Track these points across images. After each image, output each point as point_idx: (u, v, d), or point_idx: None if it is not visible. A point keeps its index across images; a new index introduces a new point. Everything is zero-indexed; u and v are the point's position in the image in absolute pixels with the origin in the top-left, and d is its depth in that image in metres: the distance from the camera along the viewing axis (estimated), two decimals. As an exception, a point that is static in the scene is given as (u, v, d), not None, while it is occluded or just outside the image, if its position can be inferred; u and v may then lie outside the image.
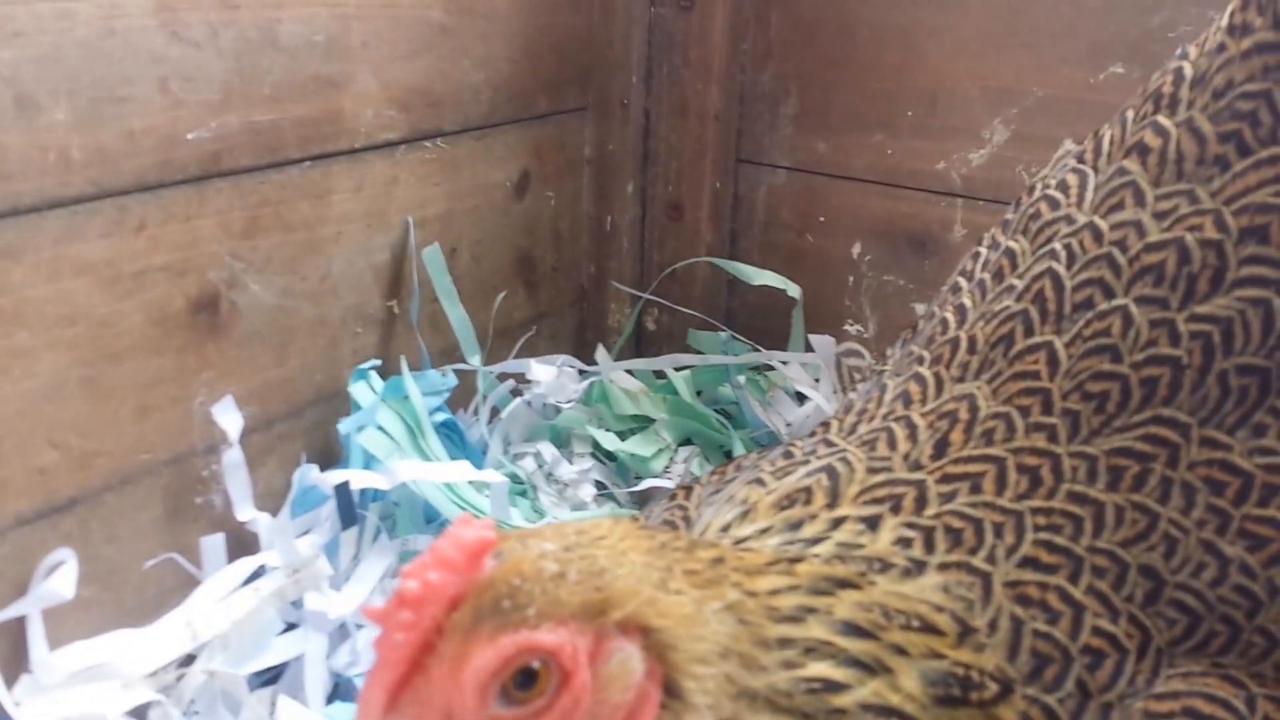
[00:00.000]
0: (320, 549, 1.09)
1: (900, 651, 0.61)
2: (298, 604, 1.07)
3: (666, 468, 1.36)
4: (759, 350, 1.47)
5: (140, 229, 1.01)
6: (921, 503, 0.70)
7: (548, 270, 1.52)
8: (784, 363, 1.44)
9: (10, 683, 0.92)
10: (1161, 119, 0.77)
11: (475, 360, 1.35)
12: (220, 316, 1.09)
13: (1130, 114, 0.81)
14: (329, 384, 1.22)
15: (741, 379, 1.42)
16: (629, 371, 1.47)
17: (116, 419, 1.01)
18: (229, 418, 1.08)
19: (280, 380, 1.17)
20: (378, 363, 1.26)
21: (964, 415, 0.74)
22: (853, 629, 0.61)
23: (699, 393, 1.45)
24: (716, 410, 1.44)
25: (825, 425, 0.83)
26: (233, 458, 1.09)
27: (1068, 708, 0.65)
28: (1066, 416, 0.73)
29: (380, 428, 1.19)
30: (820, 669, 0.59)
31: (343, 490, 1.13)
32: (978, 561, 0.67)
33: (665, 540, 0.61)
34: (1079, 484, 0.70)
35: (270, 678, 1.06)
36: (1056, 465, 0.71)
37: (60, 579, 0.93)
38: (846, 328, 1.45)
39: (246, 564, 1.06)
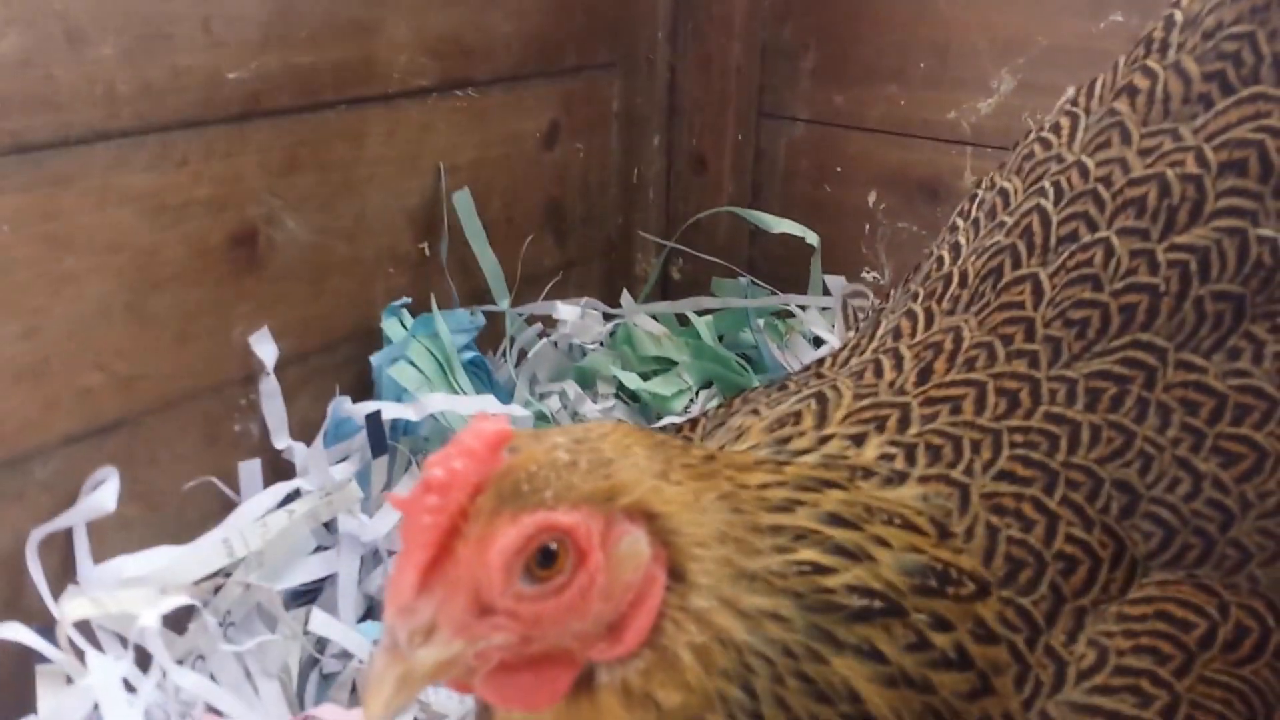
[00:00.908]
0: (352, 476, 1.12)
1: (882, 543, 0.63)
2: (331, 528, 1.11)
3: (686, 408, 1.39)
4: (777, 294, 1.50)
5: (183, 163, 1.04)
6: (904, 423, 0.73)
7: (577, 220, 1.55)
8: (802, 307, 1.47)
9: (57, 595, 0.96)
10: (1150, 62, 0.80)
11: (504, 303, 1.38)
12: (258, 251, 1.13)
13: (1122, 59, 0.83)
14: (362, 321, 1.26)
15: (760, 323, 1.45)
16: (654, 318, 1.50)
17: (158, 345, 1.05)
18: (266, 348, 1.12)
19: (315, 315, 1.20)
20: (409, 300, 1.29)
21: (949, 346, 0.77)
22: (837, 520, 0.63)
23: (720, 337, 1.48)
24: (737, 354, 1.46)
25: (820, 361, 0.86)
26: (269, 387, 1.13)
27: (1042, 610, 0.67)
28: (1048, 343, 0.75)
29: (411, 362, 1.23)
30: (809, 554, 0.61)
31: (374, 421, 1.16)
32: (956, 474, 0.70)
33: (663, 440, 0.64)
34: (1057, 405, 0.73)
35: (305, 598, 1.10)
36: (1035, 389, 0.73)
37: (104, 493, 0.97)
38: (864, 275, 1.47)
39: (282, 488, 1.10)
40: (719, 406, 0.88)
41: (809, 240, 1.46)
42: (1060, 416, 0.72)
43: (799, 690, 0.60)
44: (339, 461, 1.17)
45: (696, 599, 0.60)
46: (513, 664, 0.60)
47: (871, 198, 1.44)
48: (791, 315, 1.48)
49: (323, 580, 1.10)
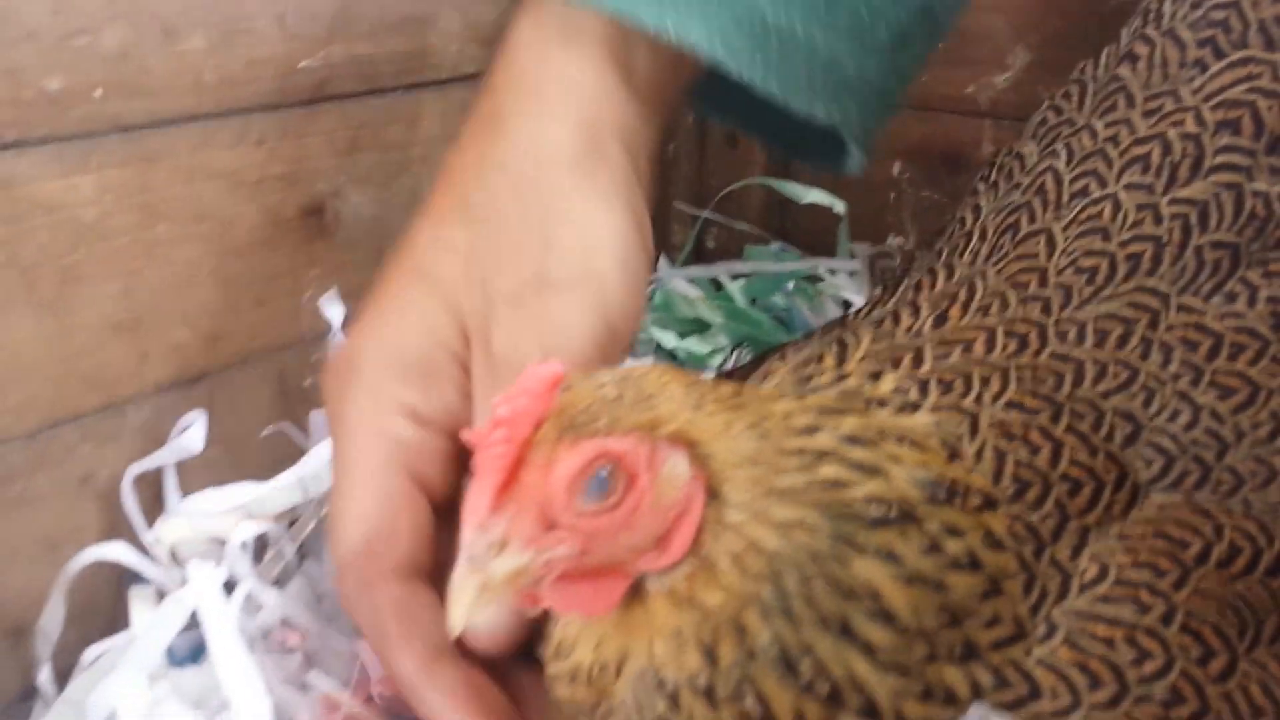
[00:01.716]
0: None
1: (895, 460, 0.69)
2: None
3: (721, 366, 1.45)
4: (806, 258, 1.56)
5: (260, 143, 1.11)
6: (918, 361, 0.78)
7: (615, 193, 1.60)
8: (831, 271, 1.53)
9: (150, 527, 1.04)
10: (1149, 30, 0.86)
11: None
12: (325, 222, 1.19)
13: (1124, 31, 0.89)
14: (419, 288, 1.32)
15: (791, 286, 1.51)
16: (691, 284, 1.56)
17: (239, 306, 1.12)
18: (334, 309, 1.19)
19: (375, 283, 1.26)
20: (462, 268, 1.35)
21: (963, 295, 0.82)
22: (855, 440, 0.68)
23: (753, 301, 1.54)
24: (769, 316, 1.52)
25: (845, 315, 0.92)
26: (336, 344, 1.20)
27: (1047, 526, 0.72)
28: (1060, 289, 0.81)
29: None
30: (830, 471, 0.67)
31: (432, 377, 1.23)
32: (966, 404, 0.75)
33: (695, 379, 0.69)
34: (1065, 346, 0.78)
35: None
36: (1043, 332, 0.79)
37: (192, 435, 1.04)
38: (889, 240, 1.53)
39: (337, 440, 1.17)
40: (751, 360, 0.94)
41: (836, 209, 1.51)
42: (1067, 356, 0.77)
43: (825, 590, 0.65)
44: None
45: (731, 514, 0.65)
46: (573, 576, 0.66)
47: (896, 168, 1.50)
48: (821, 280, 1.54)
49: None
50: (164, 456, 1.03)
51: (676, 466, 0.65)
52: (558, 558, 0.65)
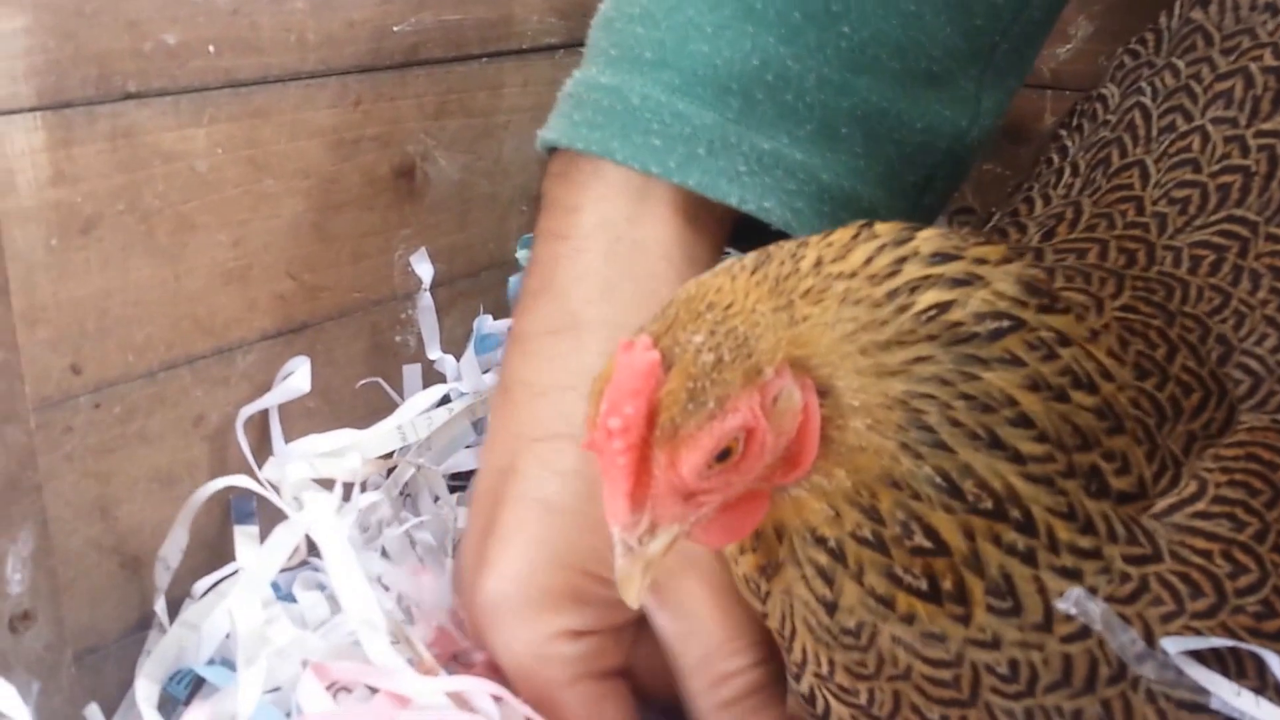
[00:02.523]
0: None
1: (984, 261, 0.68)
2: (478, 428, 1.20)
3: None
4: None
5: (357, 103, 1.14)
6: (1039, 256, 0.80)
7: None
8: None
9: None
10: None
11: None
12: (416, 184, 1.22)
13: None
14: (499, 252, 1.35)
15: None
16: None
17: (337, 260, 1.14)
18: (424, 267, 1.22)
19: (462, 244, 1.29)
20: (538, 234, 1.38)
21: (1069, 215, 0.85)
22: (939, 256, 0.67)
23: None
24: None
25: None
26: (425, 303, 1.22)
27: (1164, 412, 0.73)
28: (1156, 218, 0.83)
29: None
30: (928, 298, 0.66)
31: (514, 334, 1.25)
32: (1091, 291, 0.77)
33: (776, 274, 0.67)
34: (1168, 267, 0.80)
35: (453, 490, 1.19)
36: (1151, 250, 0.81)
37: (299, 377, 1.07)
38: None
39: (440, 389, 1.19)
40: None
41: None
42: (1172, 275, 0.80)
43: (965, 408, 0.65)
44: (485, 372, 1.26)
45: (850, 397, 0.66)
46: (715, 514, 0.68)
47: (960, 142, 1.51)
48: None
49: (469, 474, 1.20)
50: (273, 397, 1.06)
51: (788, 394, 0.65)
52: (702, 516, 0.67)
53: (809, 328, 0.66)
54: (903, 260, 0.67)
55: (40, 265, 0.90)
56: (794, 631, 0.74)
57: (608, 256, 0.91)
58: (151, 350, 0.99)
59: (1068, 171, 0.89)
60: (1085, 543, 0.68)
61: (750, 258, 0.68)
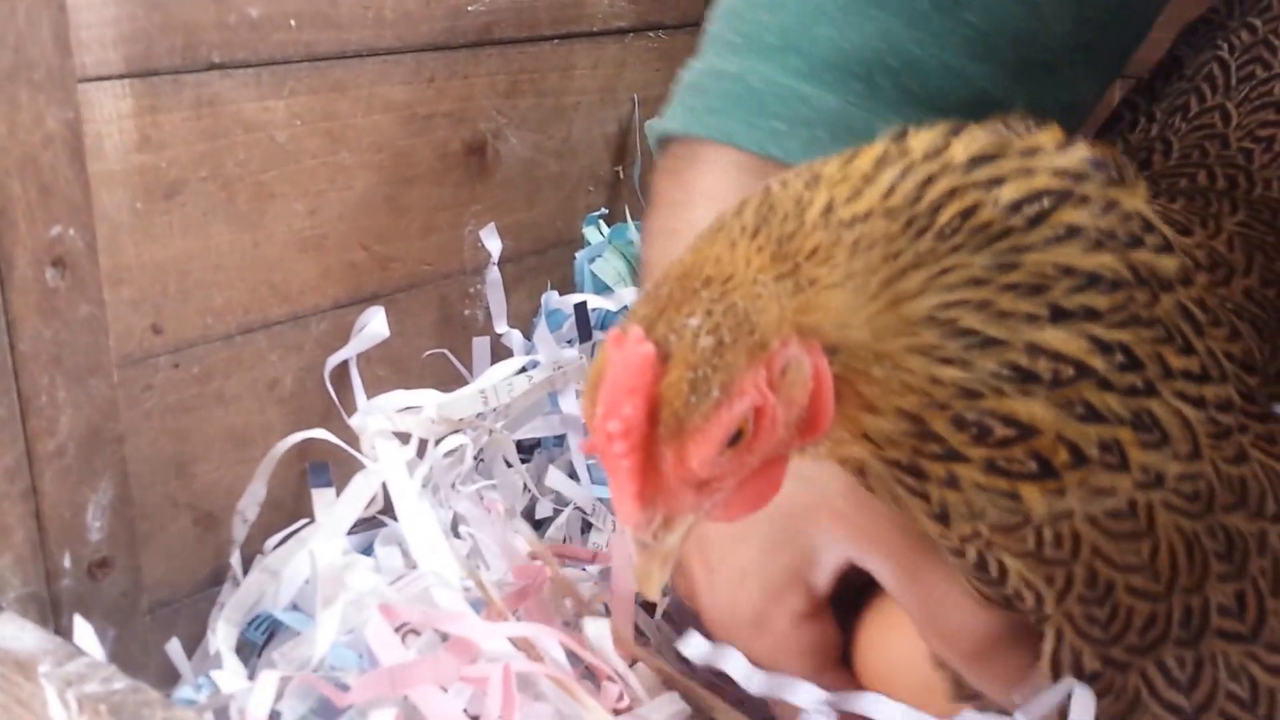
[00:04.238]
0: (579, 354, 1.22)
1: (1030, 154, 0.61)
2: (554, 400, 1.20)
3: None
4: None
5: (431, 80, 1.14)
6: (1154, 182, 0.78)
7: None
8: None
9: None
10: None
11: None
12: (487, 160, 1.22)
13: None
14: (567, 231, 1.35)
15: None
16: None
17: (408, 233, 1.15)
18: (493, 242, 1.22)
19: (530, 221, 1.30)
20: (605, 212, 1.38)
21: (1159, 148, 0.83)
22: (981, 160, 0.60)
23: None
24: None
25: None
26: (493, 277, 1.23)
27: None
28: (1242, 152, 0.82)
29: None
30: (954, 207, 0.59)
31: (581, 310, 1.26)
32: (1209, 211, 0.75)
33: (779, 233, 0.60)
34: (1269, 192, 0.78)
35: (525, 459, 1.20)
36: (1250, 176, 0.80)
37: (376, 324, 1.08)
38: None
39: (517, 361, 1.20)
40: None
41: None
42: (1269, 198, 0.77)
43: (1011, 299, 0.59)
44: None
45: (859, 352, 0.60)
46: (733, 492, 0.64)
47: (1022, 127, 1.49)
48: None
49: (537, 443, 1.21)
50: (354, 347, 1.08)
51: (797, 365, 0.60)
52: (718, 500, 0.63)
53: (816, 292, 0.59)
54: (932, 178, 0.59)
55: (125, 227, 0.92)
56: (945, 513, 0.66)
57: None
58: (230, 313, 1.01)
59: (1142, 121, 0.88)
60: (1196, 367, 0.61)
61: (750, 214, 0.61)
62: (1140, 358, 0.60)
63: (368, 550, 1.03)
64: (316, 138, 1.05)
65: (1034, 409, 0.60)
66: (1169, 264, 0.61)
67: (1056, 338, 0.59)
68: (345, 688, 0.79)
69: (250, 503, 0.99)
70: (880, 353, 0.59)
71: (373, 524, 1.06)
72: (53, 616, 0.83)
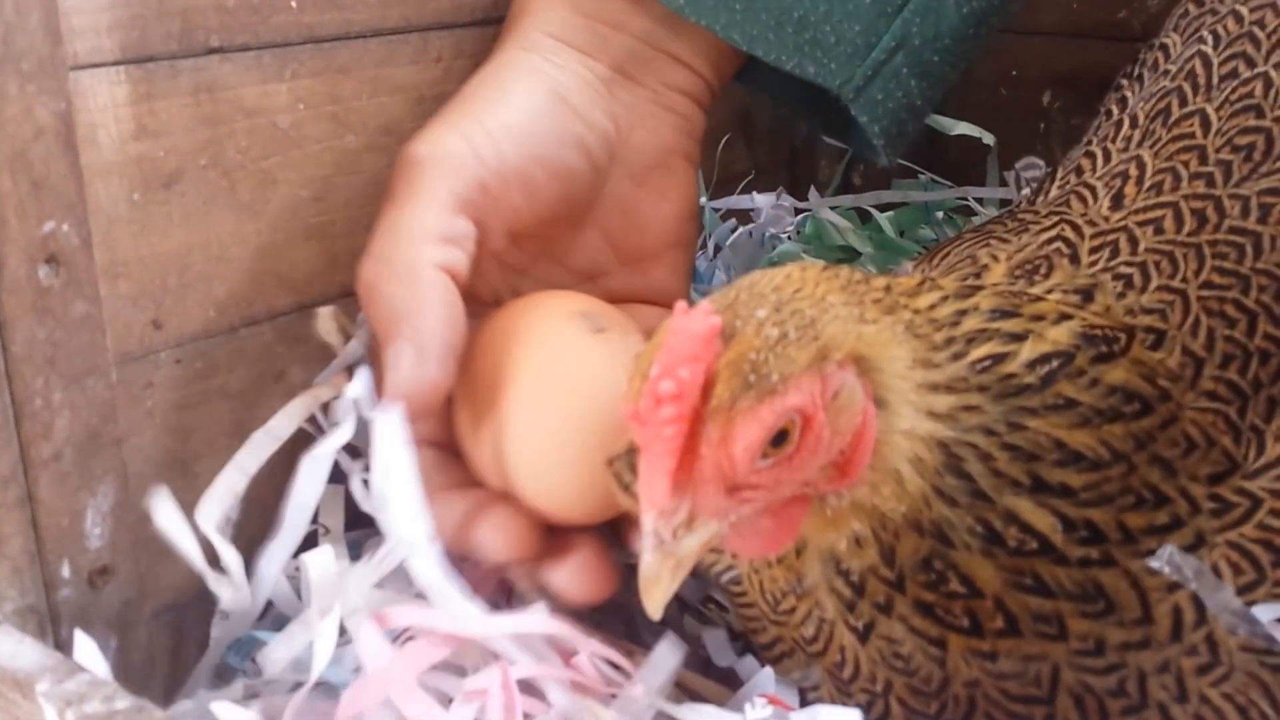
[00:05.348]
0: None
1: (1041, 318, 0.68)
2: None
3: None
4: (954, 187, 1.52)
5: (438, 60, 1.10)
6: (1134, 243, 0.76)
7: (764, 129, 1.57)
8: (979, 200, 1.48)
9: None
10: None
11: (702, 199, 1.42)
12: (497, 141, 1.18)
13: None
14: (582, 210, 1.31)
15: (940, 215, 1.47)
16: (837, 218, 1.53)
17: (418, 217, 1.11)
18: (503, 228, 1.18)
19: (543, 202, 1.25)
20: (621, 191, 1.33)
21: (1134, 172, 0.80)
22: (999, 313, 0.67)
23: (900, 233, 1.50)
24: (920, 247, 1.48)
25: (1011, 210, 0.89)
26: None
27: (1245, 393, 0.70)
28: (1220, 166, 0.79)
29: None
30: (983, 349, 0.65)
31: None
32: (1176, 284, 0.73)
33: (847, 276, 0.66)
34: (1236, 219, 0.76)
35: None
36: (1219, 205, 0.77)
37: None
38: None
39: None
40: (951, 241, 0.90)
41: (985, 140, 1.46)
42: (1242, 229, 0.76)
43: (1008, 459, 0.64)
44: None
45: (901, 420, 0.63)
46: (753, 518, 0.63)
47: (1046, 97, 1.45)
48: (971, 212, 1.50)
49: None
50: (362, 336, 1.02)
51: (851, 390, 0.62)
52: (743, 515, 0.62)
53: (877, 331, 0.63)
54: (963, 313, 0.66)
55: (122, 219, 0.88)
56: (830, 640, 0.71)
57: None
58: (233, 306, 0.97)
59: (1126, 124, 0.85)
60: (1159, 518, 0.65)
61: (816, 263, 0.68)
62: (1103, 531, 0.65)
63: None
64: (321, 122, 1.01)
65: (987, 573, 0.64)
66: (1148, 424, 0.66)
67: (1030, 510, 0.64)
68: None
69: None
70: (907, 435, 0.63)
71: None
72: (51, 629, 0.80)
